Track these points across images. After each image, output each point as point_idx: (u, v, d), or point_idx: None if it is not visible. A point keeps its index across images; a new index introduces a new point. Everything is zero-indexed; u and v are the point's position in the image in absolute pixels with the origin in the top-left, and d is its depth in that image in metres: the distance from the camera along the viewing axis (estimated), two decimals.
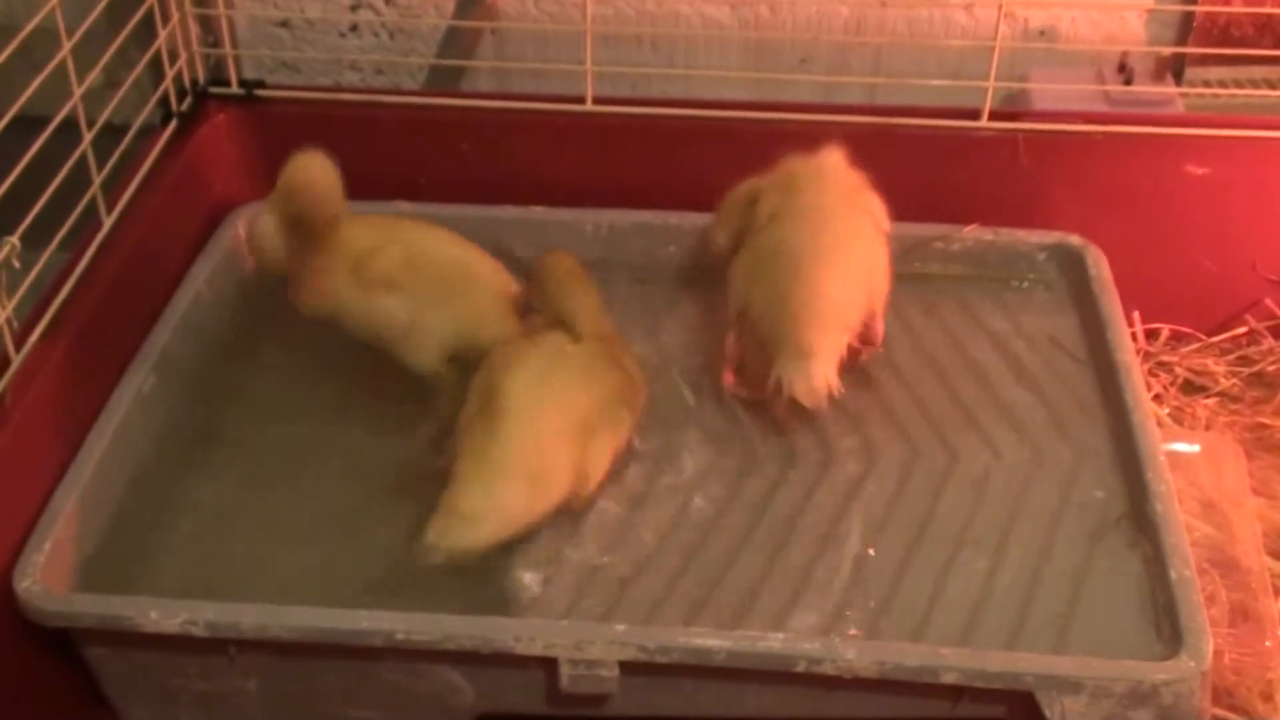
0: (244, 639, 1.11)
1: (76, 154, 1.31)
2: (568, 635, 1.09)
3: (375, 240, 1.36)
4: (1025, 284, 1.52)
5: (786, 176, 1.38)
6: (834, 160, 1.38)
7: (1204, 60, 1.77)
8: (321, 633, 1.10)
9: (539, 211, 1.56)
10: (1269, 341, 1.60)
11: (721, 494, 1.28)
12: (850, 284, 1.31)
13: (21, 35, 1.20)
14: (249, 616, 1.10)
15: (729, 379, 1.37)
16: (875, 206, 1.37)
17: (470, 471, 1.16)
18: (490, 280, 1.37)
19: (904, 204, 1.51)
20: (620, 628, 1.10)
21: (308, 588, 1.17)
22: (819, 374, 1.27)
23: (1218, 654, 1.10)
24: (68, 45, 1.28)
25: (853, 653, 1.07)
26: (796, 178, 1.37)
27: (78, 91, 1.30)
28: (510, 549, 1.22)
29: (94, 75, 1.33)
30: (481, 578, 1.20)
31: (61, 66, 1.27)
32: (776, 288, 1.30)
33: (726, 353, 1.37)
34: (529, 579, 1.20)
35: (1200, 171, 1.55)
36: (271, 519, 1.25)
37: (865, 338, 1.37)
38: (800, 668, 1.07)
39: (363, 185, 1.57)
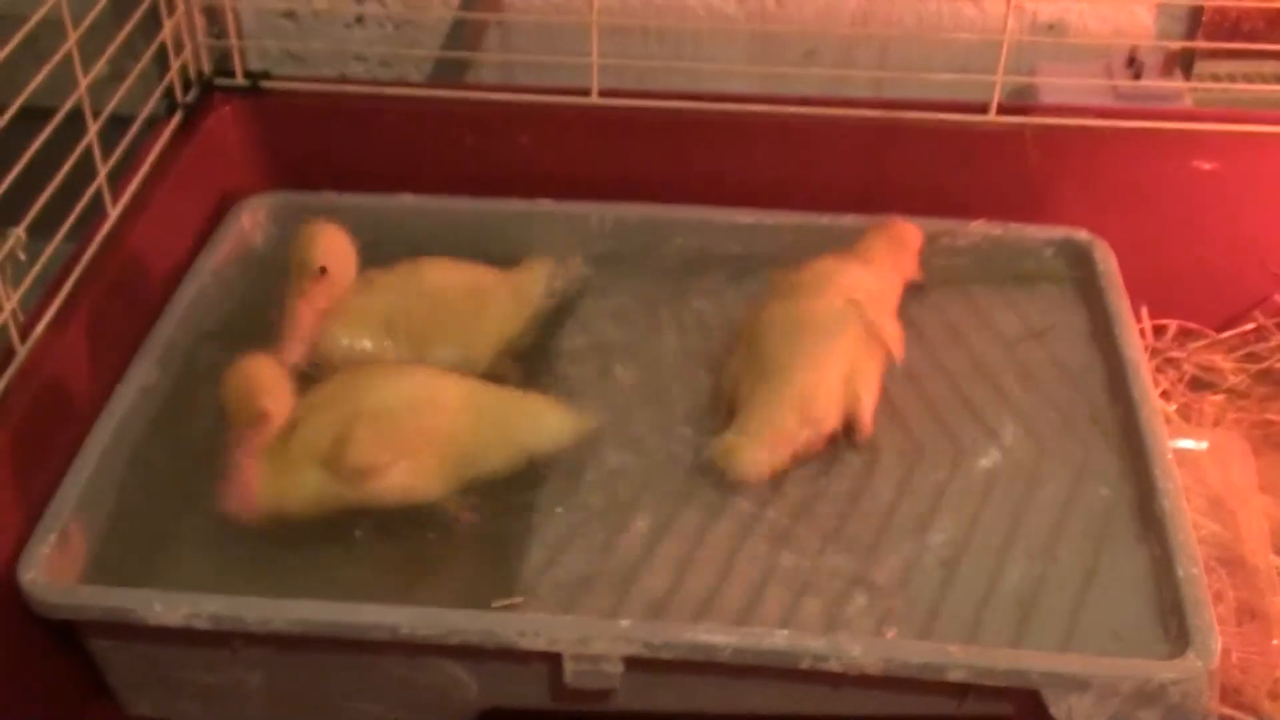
0: (248, 632, 1.11)
1: (82, 145, 1.31)
2: (572, 630, 1.09)
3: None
4: (1032, 279, 1.51)
5: (800, 279, 1.37)
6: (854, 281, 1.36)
7: (1214, 54, 1.76)
8: (325, 626, 1.09)
9: (545, 204, 1.56)
10: (1278, 338, 1.59)
11: (725, 490, 1.27)
12: (822, 376, 1.28)
13: (28, 26, 1.20)
14: (253, 610, 1.10)
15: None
16: (886, 331, 1.34)
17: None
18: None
19: (910, 198, 1.51)
20: (625, 623, 1.09)
21: (312, 581, 1.17)
22: (750, 459, 1.26)
23: (1225, 652, 1.09)
24: (74, 36, 1.27)
25: (858, 650, 1.07)
26: (804, 285, 1.35)
27: (83, 82, 1.30)
28: (516, 542, 1.22)
29: (100, 66, 1.33)
30: (484, 572, 1.20)
31: (66, 57, 1.27)
32: (750, 376, 1.30)
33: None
34: (533, 574, 1.20)
35: (1209, 166, 1.54)
36: None
37: (851, 426, 1.32)
38: (805, 665, 1.07)
39: (367, 178, 1.58)
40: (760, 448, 1.26)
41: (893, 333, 1.35)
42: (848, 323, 1.31)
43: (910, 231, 1.44)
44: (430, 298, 1.39)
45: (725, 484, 1.28)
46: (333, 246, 1.34)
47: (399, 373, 1.28)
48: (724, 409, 1.33)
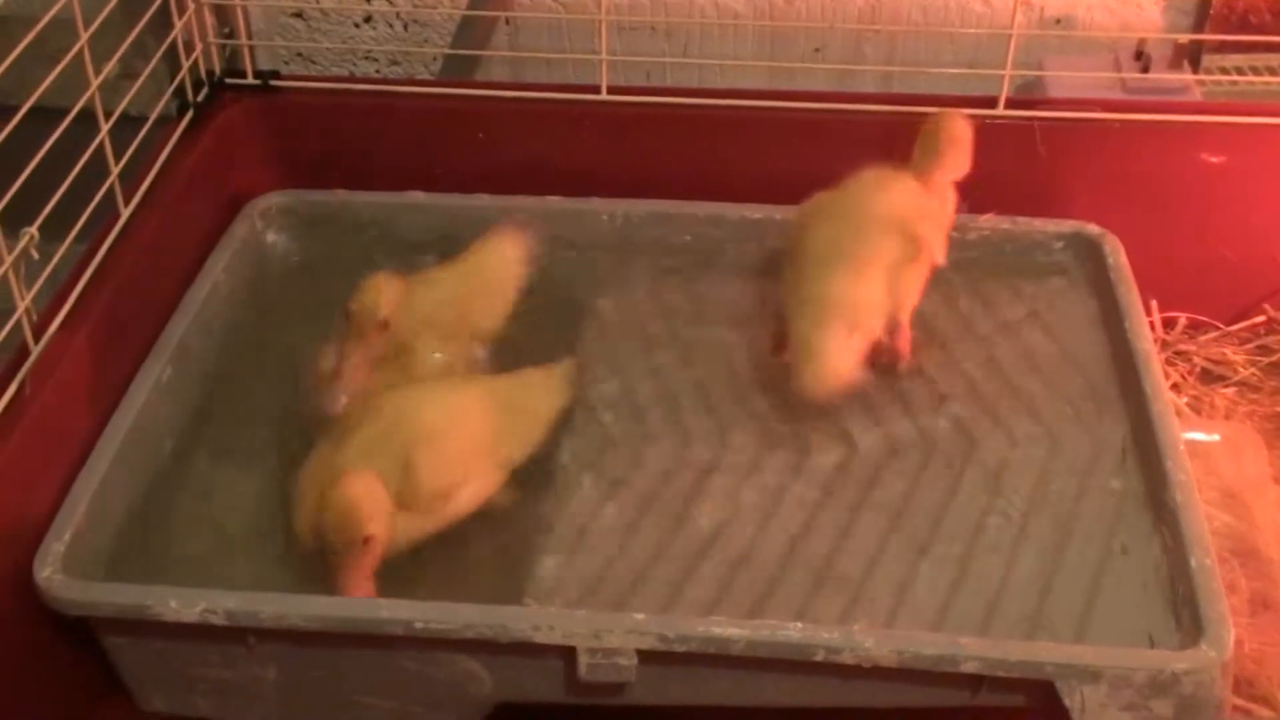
0: (263, 628, 1.11)
1: (94, 145, 1.32)
2: (586, 624, 1.09)
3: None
4: (1042, 272, 1.51)
5: (843, 192, 1.38)
6: (887, 182, 1.37)
7: (1221, 47, 1.76)
8: (340, 622, 1.10)
9: (554, 201, 1.56)
10: None
11: (738, 484, 1.28)
12: (862, 287, 1.30)
13: (39, 26, 1.21)
14: (268, 606, 1.10)
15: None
16: (928, 230, 1.36)
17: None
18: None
19: None
20: (639, 616, 1.10)
21: (326, 576, 1.17)
22: (824, 373, 1.27)
23: (1238, 643, 1.09)
24: (84, 36, 1.28)
25: (871, 642, 1.07)
26: (846, 194, 1.37)
27: (95, 83, 1.30)
28: (528, 537, 1.22)
29: (110, 67, 1.33)
30: (500, 567, 1.21)
31: (77, 58, 1.27)
32: (798, 288, 1.31)
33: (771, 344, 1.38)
34: (547, 568, 1.20)
35: (1218, 159, 1.54)
36: (291, 508, 1.25)
37: (892, 347, 1.36)
38: (819, 657, 1.07)
39: (377, 175, 1.58)
40: (830, 361, 1.27)
41: (936, 240, 1.36)
42: (886, 231, 1.32)
43: (959, 126, 1.41)
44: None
45: (740, 472, 1.28)
46: (397, 299, 1.31)
47: (426, 395, 1.27)
48: (774, 332, 1.36)
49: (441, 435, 1.21)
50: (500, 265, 1.42)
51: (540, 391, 1.32)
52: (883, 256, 1.32)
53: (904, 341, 1.37)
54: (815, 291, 1.29)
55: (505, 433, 1.26)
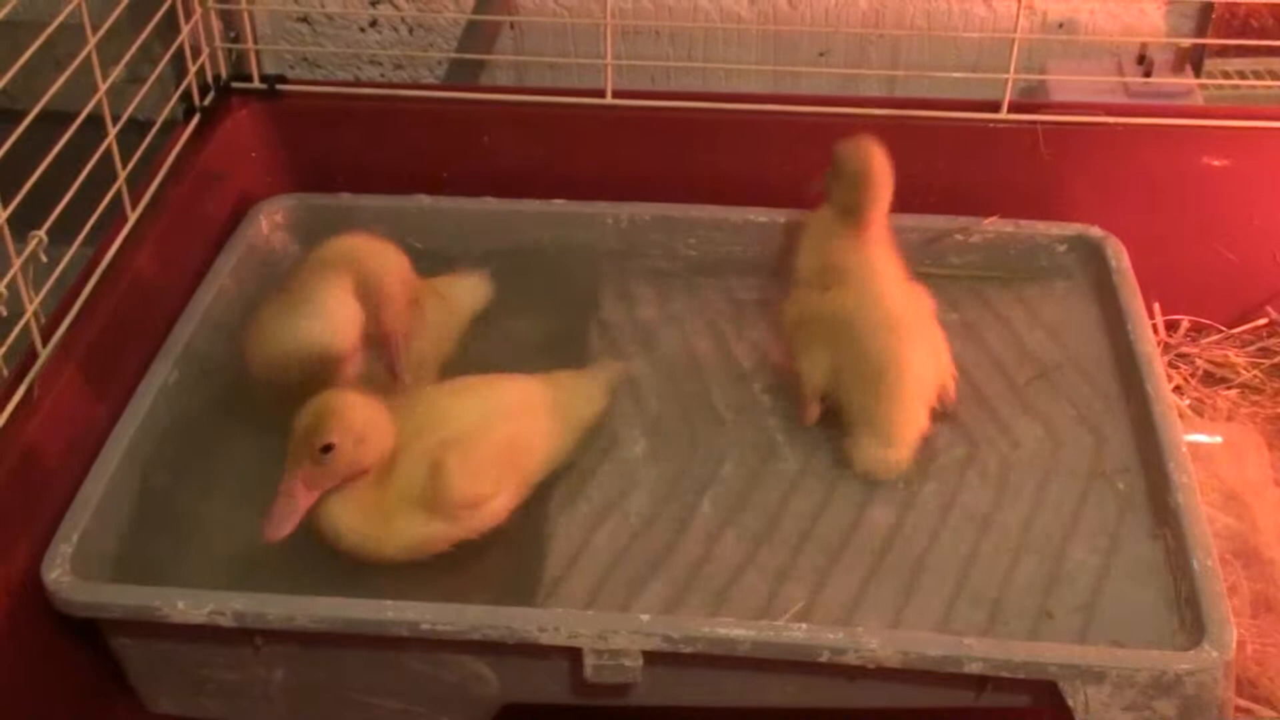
0: (270, 629, 1.12)
1: (101, 149, 1.32)
2: (592, 625, 1.09)
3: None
4: (1045, 275, 1.52)
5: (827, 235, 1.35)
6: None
7: (1224, 51, 1.76)
8: (347, 623, 1.10)
9: (559, 204, 1.57)
10: None
11: (742, 486, 1.29)
12: (930, 359, 1.31)
13: (48, 31, 1.22)
14: (275, 607, 1.11)
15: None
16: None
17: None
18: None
19: (924, 196, 1.52)
20: (644, 617, 1.10)
21: (334, 578, 1.18)
22: (897, 459, 1.28)
23: (1240, 645, 1.10)
24: (92, 41, 1.29)
25: (876, 643, 1.07)
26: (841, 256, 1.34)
27: (103, 87, 1.31)
28: (533, 540, 1.23)
29: (118, 71, 1.34)
30: (506, 568, 1.21)
31: (85, 62, 1.28)
32: (859, 379, 1.29)
33: (806, 411, 1.35)
34: (553, 569, 1.21)
35: (1220, 162, 1.55)
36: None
37: (940, 398, 1.34)
38: (823, 658, 1.08)
39: (383, 179, 1.59)
40: (902, 448, 1.28)
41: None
42: (920, 303, 1.32)
43: (858, 154, 1.34)
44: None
45: (744, 475, 1.29)
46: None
47: (466, 392, 1.25)
48: (812, 401, 1.33)
49: (471, 442, 1.19)
50: (462, 293, 1.45)
51: (579, 397, 1.31)
52: (929, 329, 1.31)
53: (950, 393, 1.34)
54: (883, 376, 1.27)
55: (545, 437, 1.25)
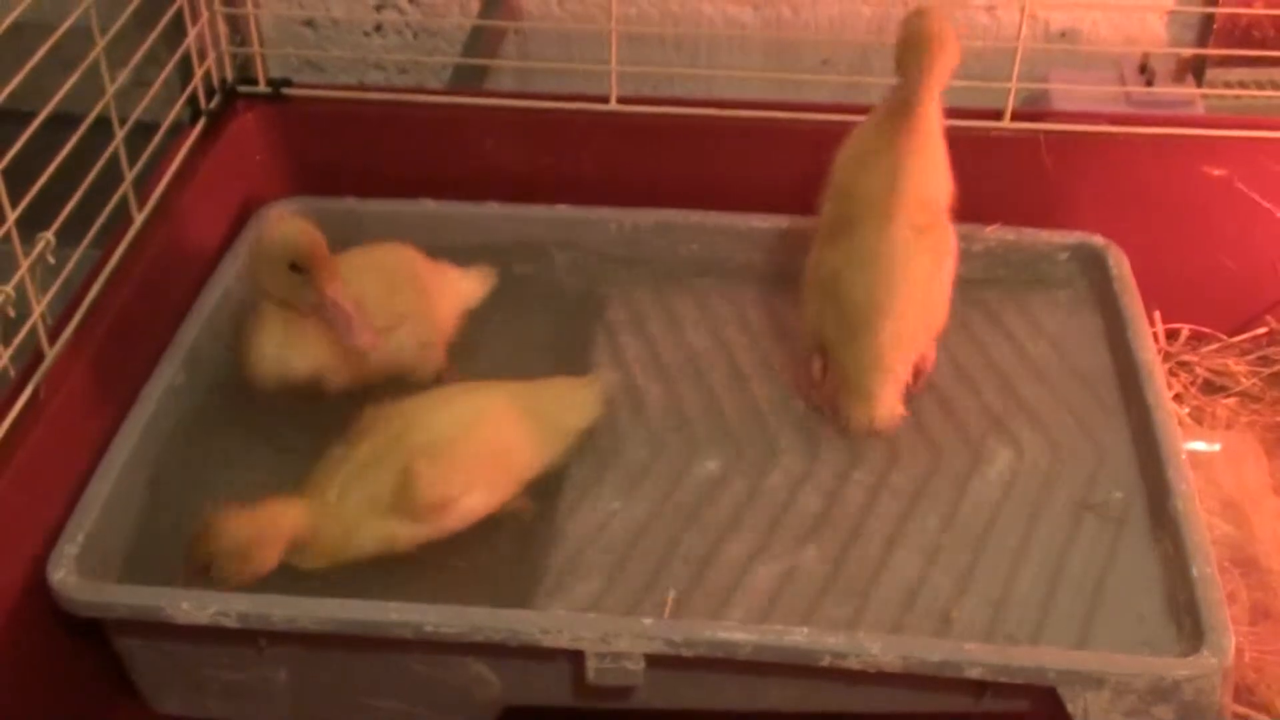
0: (274, 630, 1.12)
1: (108, 152, 1.33)
2: (594, 628, 1.10)
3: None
4: (1046, 284, 1.53)
5: (845, 191, 1.33)
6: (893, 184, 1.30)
7: (1225, 61, 1.77)
8: (351, 625, 1.11)
9: (563, 209, 1.57)
10: None
11: (745, 490, 1.29)
12: (910, 331, 1.31)
13: (57, 35, 1.22)
14: (280, 608, 1.11)
15: (812, 392, 1.38)
16: (943, 240, 1.33)
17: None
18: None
19: None
20: (647, 621, 1.11)
21: (337, 579, 1.18)
22: (881, 416, 1.30)
23: (1238, 652, 1.10)
24: (100, 44, 1.29)
25: (877, 647, 1.08)
26: (855, 201, 1.31)
27: (110, 90, 1.31)
28: (537, 542, 1.24)
29: (125, 74, 1.35)
30: (508, 571, 1.22)
31: (91, 65, 1.29)
32: (842, 330, 1.30)
33: (812, 376, 1.37)
34: (555, 572, 1.21)
35: (1221, 172, 1.55)
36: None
37: (918, 366, 1.36)
38: (825, 662, 1.08)
39: (388, 183, 1.60)
40: (886, 404, 1.29)
41: (944, 193, 1.33)
42: (918, 255, 1.29)
43: (934, 27, 1.29)
44: (387, 281, 1.37)
45: (747, 480, 1.30)
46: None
47: (442, 400, 1.28)
48: (812, 347, 1.35)
49: (443, 447, 1.21)
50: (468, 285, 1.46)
51: (567, 405, 1.32)
52: (922, 291, 1.30)
53: (928, 363, 1.38)
54: (866, 342, 1.29)
55: (524, 442, 1.26)
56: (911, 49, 1.29)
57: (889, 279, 1.28)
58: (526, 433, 1.27)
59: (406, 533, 1.21)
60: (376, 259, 1.39)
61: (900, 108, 1.30)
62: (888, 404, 1.30)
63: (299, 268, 1.26)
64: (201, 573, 1.14)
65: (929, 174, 1.31)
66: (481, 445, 1.24)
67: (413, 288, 1.38)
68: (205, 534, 1.14)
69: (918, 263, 1.29)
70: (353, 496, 1.19)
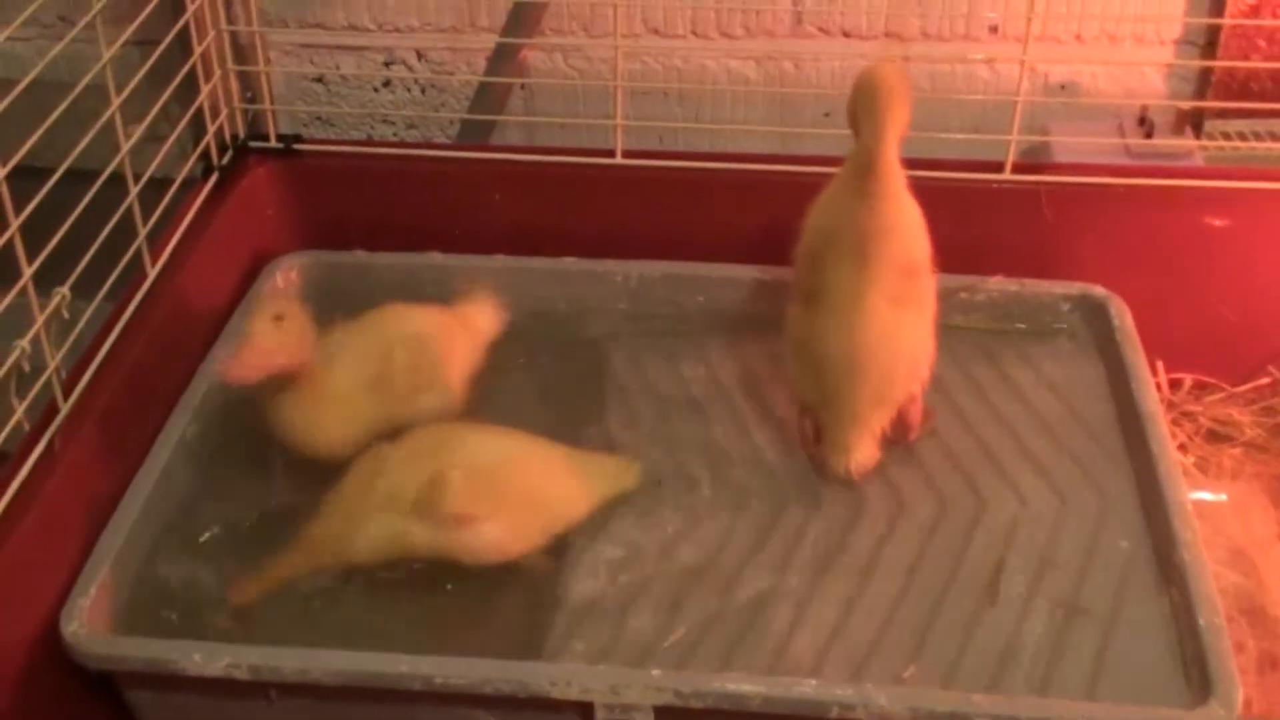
0: (285, 683, 1.13)
1: (123, 207, 1.35)
2: (603, 680, 1.11)
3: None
4: (1049, 334, 1.54)
5: (816, 255, 1.33)
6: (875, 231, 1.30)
7: (1223, 113, 1.79)
8: (361, 676, 1.11)
9: (569, 262, 1.59)
10: None
11: (750, 541, 1.30)
12: (888, 389, 1.32)
13: (75, 91, 1.24)
14: (291, 660, 1.12)
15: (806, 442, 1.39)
16: (922, 292, 1.33)
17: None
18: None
19: None
20: (656, 673, 1.11)
21: (349, 630, 1.19)
22: (855, 464, 1.32)
23: (1246, 703, 1.11)
24: (116, 102, 1.31)
25: (885, 698, 1.08)
26: (826, 268, 1.31)
27: (125, 146, 1.33)
28: (546, 594, 1.24)
29: (140, 131, 1.37)
30: (516, 623, 1.22)
31: (106, 122, 1.31)
32: (819, 382, 1.32)
33: (801, 430, 1.40)
34: (564, 624, 1.22)
35: (1221, 223, 1.57)
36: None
37: (906, 418, 1.37)
38: (833, 714, 1.09)
39: (396, 236, 1.61)
40: (861, 453, 1.32)
41: (921, 251, 1.32)
42: (894, 318, 1.30)
43: (883, 82, 1.28)
44: (403, 347, 1.39)
45: (752, 530, 1.30)
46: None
47: (485, 431, 1.30)
48: (803, 416, 1.38)
49: (481, 467, 1.24)
50: (481, 317, 1.48)
51: (606, 476, 1.33)
52: (902, 343, 1.31)
53: (915, 414, 1.38)
54: (841, 395, 1.31)
55: (559, 495, 1.27)
56: (864, 106, 1.28)
57: (863, 347, 1.29)
58: (563, 488, 1.28)
59: (420, 538, 1.22)
60: (387, 330, 1.40)
61: (860, 169, 1.30)
62: (864, 454, 1.32)
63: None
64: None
65: (899, 234, 1.31)
66: (518, 480, 1.25)
67: (428, 358, 1.39)
68: None
69: (894, 325, 1.30)
70: (376, 489, 1.21)
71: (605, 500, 1.32)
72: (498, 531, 1.23)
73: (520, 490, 1.25)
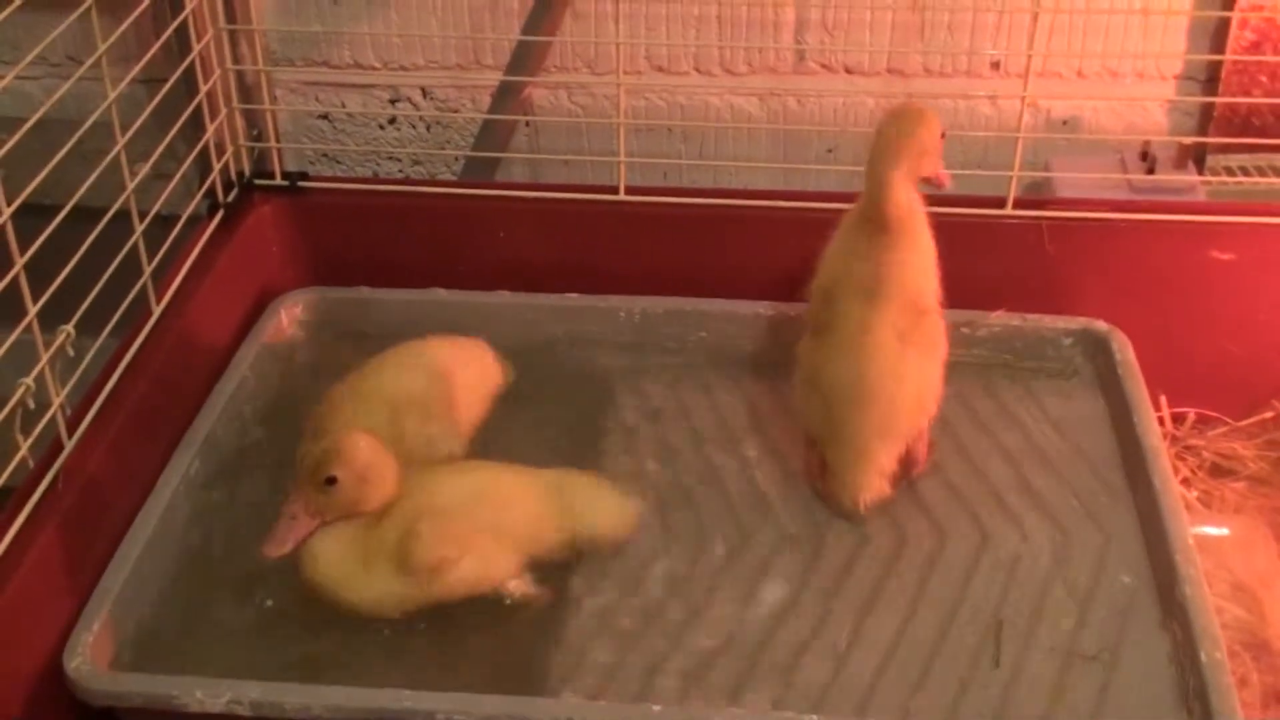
0: (288, 718, 1.13)
1: (128, 245, 1.36)
2: (605, 715, 1.11)
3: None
4: (1052, 369, 1.54)
5: (827, 291, 1.34)
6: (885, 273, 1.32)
7: (1225, 148, 1.80)
8: (364, 712, 1.11)
9: (573, 298, 1.60)
10: None
11: (752, 576, 1.30)
12: (895, 426, 1.33)
13: (82, 130, 1.25)
14: (293, 696, 1.12)
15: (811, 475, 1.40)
16: (932, 331, 1.35)
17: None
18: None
19: None
20: (656, 708, 1.11)
21: (348, 666, 1.19)
22: (860, 498, 1.33)
23: None
24: (122, 140, 1.32)
25: None
26: (836, 302, 1.33)
27: (130, 185, 1.34)
28: (545, 629, 1.24)
29: (146, 168, 1.38)
30: (518, 657, 1.22)
31: (111, 160, 1.32)
32: (827, 419, 1.33)
33: (808, 462, 1.40)
34: (564, 658, 1.22)
35: (1224, 257, 1.57)
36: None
37: (910, 455, 1.38)
38: None
39: (401, 273, 1.62)
40: (868, 489, 1.32)
41: (930, 291, 1.33)
42: (902, 357, 1.31)
43: (915, 118, 1.31)
44: (412, 414, 1.39)
45: (753, 564, 1.30)
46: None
47: (459, 470, 1.32)
48: (808, 435, 1.38)
49: (449, 512, 1.25)
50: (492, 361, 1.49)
51: (593, 500, 1.33)
52: (909, 383, 1.32)
53: (922, 450, 1.39)
54: (847, 435, 1.32)
55: (532, 518, 1.28)
56: (875, 143, 1.30)
57: (868, 379, 1.30)
58: (535, 515, 1.28)
59: (411, 591, 1.23)
60: (391, 390, 1.40)
61: (869, 205, 1.31)
62: (870, 490, 1.33)
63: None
64: (317, 489, 1.21)
65: (910, 272, 1.32)
66: (484, 517, 1.26)
67: (438, 424, 1.40)
68: (332, 452, 1.20)
69: (900, 360, 1.31)
70: (369, 542, 1.23)
71: (593, 531, 1.31)
72: (469, 569, 1.24)
73: (490, 524, 1.26)
